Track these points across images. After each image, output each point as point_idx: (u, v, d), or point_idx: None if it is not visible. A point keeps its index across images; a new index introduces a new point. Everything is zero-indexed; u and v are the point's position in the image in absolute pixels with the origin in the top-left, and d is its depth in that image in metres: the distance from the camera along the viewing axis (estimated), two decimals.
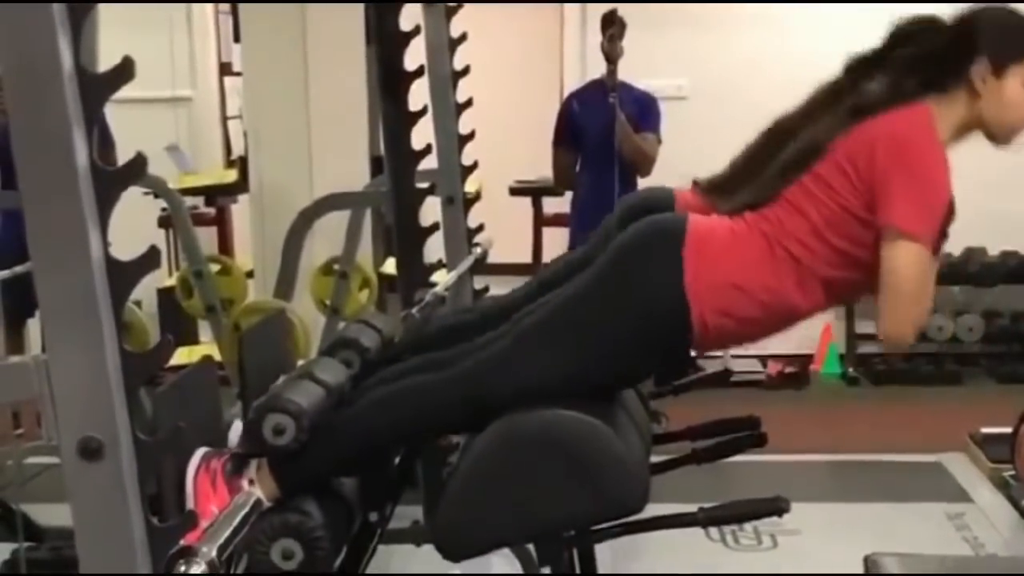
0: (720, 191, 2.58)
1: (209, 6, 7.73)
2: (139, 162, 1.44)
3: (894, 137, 2.38)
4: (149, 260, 1.47)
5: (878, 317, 2.38)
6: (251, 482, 2.35)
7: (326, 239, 5.04)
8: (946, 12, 2.53)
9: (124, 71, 1.40)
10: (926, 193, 2.37)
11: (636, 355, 2.40)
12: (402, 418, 2.45)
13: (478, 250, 3.84)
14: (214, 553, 1.65)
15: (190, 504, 2.28)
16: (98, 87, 1.42)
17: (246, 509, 2.02)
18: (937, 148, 2.42)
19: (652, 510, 2.36)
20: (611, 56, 5.81)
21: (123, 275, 1.47)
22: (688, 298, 2.32)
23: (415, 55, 3.49)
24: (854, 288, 2.46)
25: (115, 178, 1.45)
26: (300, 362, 2.81)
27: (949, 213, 2.44)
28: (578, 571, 2.72)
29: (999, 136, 2.57)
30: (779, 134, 2.57)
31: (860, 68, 2.55)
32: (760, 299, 2.37)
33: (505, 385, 2.35)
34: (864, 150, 2.37)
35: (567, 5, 7.38)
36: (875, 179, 2.34)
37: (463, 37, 3.77)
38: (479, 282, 3.96)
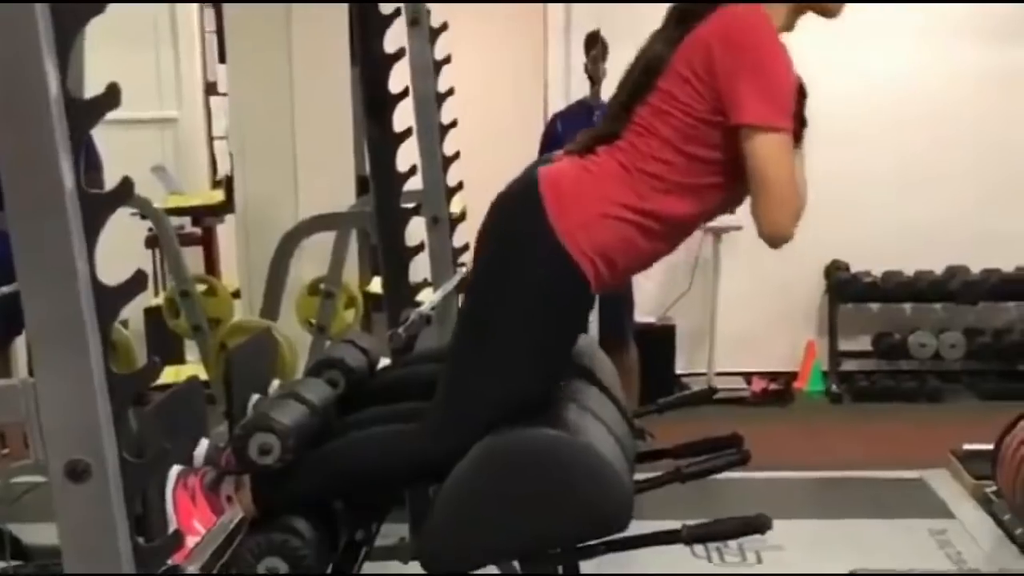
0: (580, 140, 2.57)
1: (195, 27, 7.74)
2: (125, 186, 1.46)
3: (727, 33, 2.36)
4: (135, 284, 1.49)
5: (755, 218, 2.37)
6: (228, 499, 2.37)
7: (312, 259, 5.05)
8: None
9: (110, 98, 1.42)
10: (771, 82, 2.34)
11: (554, 321, 2.41)
12: (376, 466, 2.48)
13: (464, 270, 3.86)
14: (199, 573, 1.67)
15: (172, 521, 2.29)
16: (85, 113, 1.44)
17: (231, 528, 2.04)
18: (771, 35, 2.38)
19: (636, 527, 2.37)
20: (595, 77, 5.85)
21: (110, 298, 1.49)
22: (565, 244, 2.34)
23: (400, 76, 3.52)
24: (726, 192, 2.44)
25: (102, 202, 1.47)
26: (276, 382, 2.83)
27: (800, 97, 2.43)
28: None
29: (830, 9, 2.53)
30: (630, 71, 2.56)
31: None
32: (631, 221, 2.37)
33: (471, 422, 2.38)
34: (700, 53, 2.36)
35: (551, 26, 7.41)
36: (717, 80, 2.33)
37: (447, 59, 3.80)
38: None
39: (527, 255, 2.38)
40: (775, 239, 2.38)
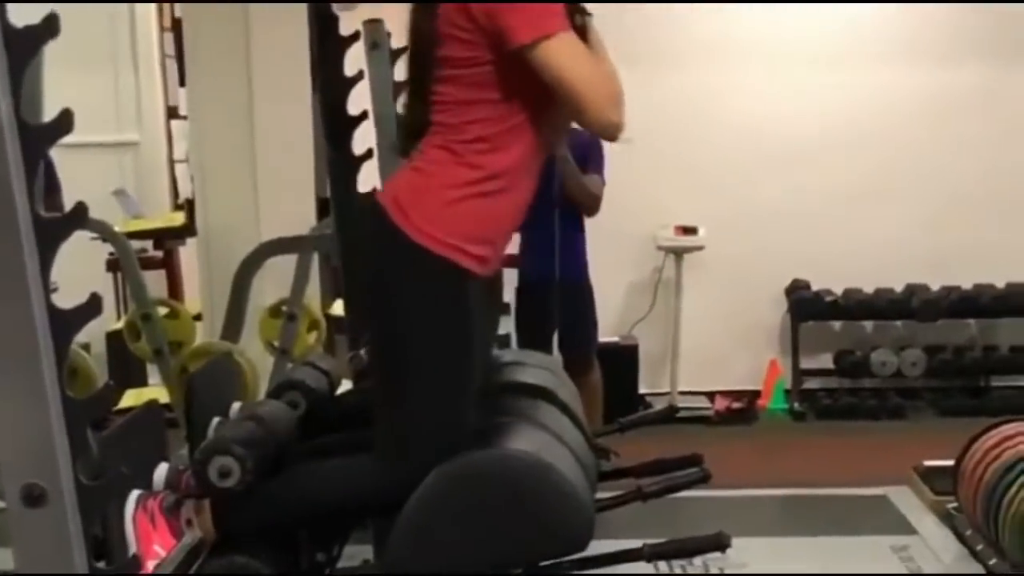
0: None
1: (155, 51, 7.71)
2: (79, 211, 1.46)
3: None
4: (91, 308, 1.49)
5: (580, 124, 2.42)
6: (188, 522, 2.37)
7: (275, 281, 5.04)
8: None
9: (64, 122, 1.42)
10: None
11: (453, 321, 2.42)
12: (333, 500, 2.49)
13: None
14: None
15: (131, 545, 2.29)
16: (38, 137, 1.44)
17: (191, 551, 2.04)
18: None
19: (598, 546, 2.38)
20: None
21: (65, 323, 1.48)
22: (427, 246, 2.36)
23: (361, 98, 3.53)
24: (547, 117, 2.46)
25: (56, 226, 1.47)
26: (237, 404, 2.83)
27: None
28: None
29: None
30: None
31: None
32: (477, 194, 2.40)
33: (416, 450, 2.39)
34: (455, 6, 2.38)
35: None
36: (479, 20, 2.35)
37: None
38: None
39: (400, 273, 2.40)
40: (605, 130, 2.41)
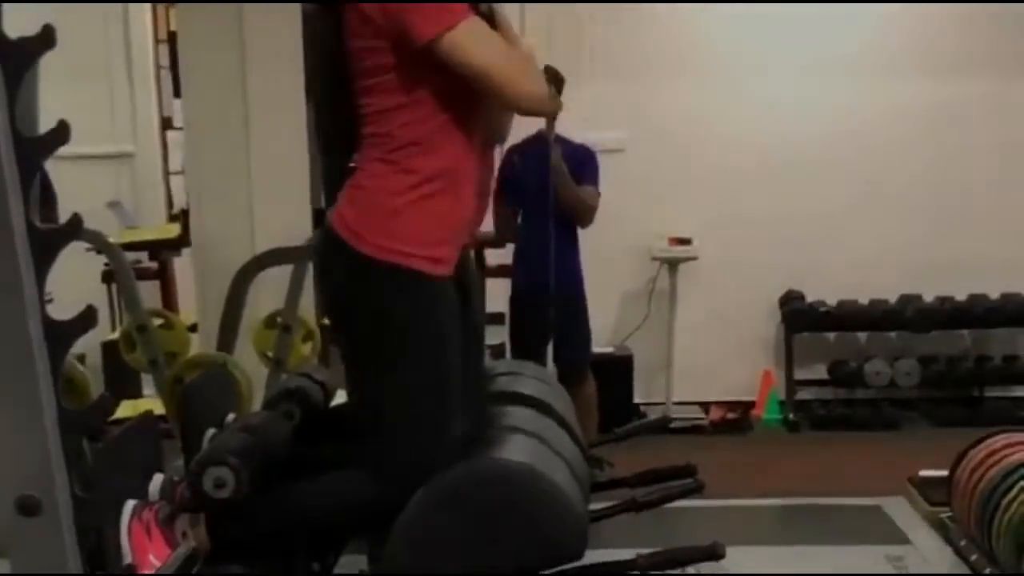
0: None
1: (150, 62, 7.72)
2: (75, 222, 1.46)
3: None
4: (86, 320, 1.50)
5: (507, 106, 2.45)
6: (184, 533, 2.37)
7: (269, 292, 5.04)
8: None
9: (60, 134, 1.43)
10: None
11: (427, 328, 2.43)
12: (327, 515, 2.50)
13: None
14: None
15: (127, 556, 2.29)
16: (33, 149, 1.44)
17: (185, 561, 2.04)
18: None
19: (594, 556, 2.39)
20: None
21: (60, 334, 1.49)
22: (383, 258, 2.37)
23: None
24: (473, 111, 2.46)
25: (52, 238, 1.47)
26: (231, 415, 2.83)
27: None
28: None
29: None
30: None
31: None
32: (423, 196, 2.40)
33: (409, 462, 2.39)
34: (357, 16, 2.39)
35: None
36: (382, 25, 2.35)
37: None
38: None
39: (359, 289, 2.40)
40: (529, 103, 2.43)
